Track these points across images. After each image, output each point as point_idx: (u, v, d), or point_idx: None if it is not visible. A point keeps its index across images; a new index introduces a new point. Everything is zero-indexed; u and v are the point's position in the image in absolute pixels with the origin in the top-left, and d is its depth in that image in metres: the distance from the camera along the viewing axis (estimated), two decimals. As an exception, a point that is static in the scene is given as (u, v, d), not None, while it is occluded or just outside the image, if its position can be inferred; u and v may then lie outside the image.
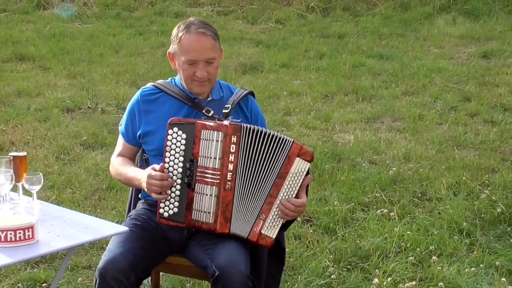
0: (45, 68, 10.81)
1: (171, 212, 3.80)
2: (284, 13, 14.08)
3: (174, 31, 4.00)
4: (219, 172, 3.73)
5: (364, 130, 8.27)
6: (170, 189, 3.79)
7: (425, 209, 6.19)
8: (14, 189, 3.84)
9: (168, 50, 4.07)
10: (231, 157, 3.74)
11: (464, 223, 5.80)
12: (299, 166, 3.82)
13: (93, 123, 8.36)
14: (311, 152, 3.87)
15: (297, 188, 3.84)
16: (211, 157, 3.74)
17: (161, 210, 3.81)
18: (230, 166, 3.74)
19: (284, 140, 3.81)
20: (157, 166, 3.79)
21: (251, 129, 3.78)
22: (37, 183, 3.78)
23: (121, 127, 4.13)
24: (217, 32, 4.02)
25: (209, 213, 3.74)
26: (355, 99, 9.40)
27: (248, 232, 3.80)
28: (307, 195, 3.92)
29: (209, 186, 3.74)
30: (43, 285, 5.06)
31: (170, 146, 3.78)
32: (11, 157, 3.83)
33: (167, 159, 3.79)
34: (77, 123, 8.37)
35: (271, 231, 3.83)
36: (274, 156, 3.80)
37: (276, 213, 3.81)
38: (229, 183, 3.74)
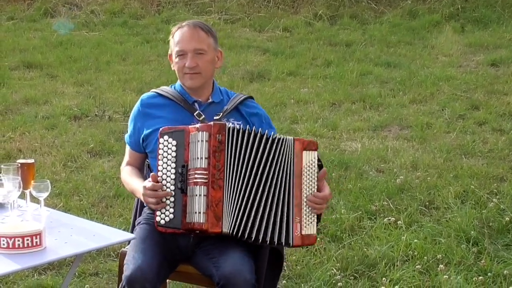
0: (53, 76, 10.83)
1: (167, 219, 3.80)
2: (292, 21, 14.07)
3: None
4: (206, 172, 3.74)
5: (372, 138, 8.25)
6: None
7: (433, 218, 6.17)
8: (22, 196, 3.85)
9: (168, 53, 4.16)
10: (218, 156, 3.75)
11: (472, 232, 5.78)
12: (308, 158, 3.89)
13: (100, 130, 8.37)
14: (314, 141, 3.95)
15: (315, 178, 3.91)
16: (199, 158, 3.75)
17: (157, 218, 3.81)
18: (218, 165, 3.75)
19: (285, 140, 3.85)
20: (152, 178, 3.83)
21: (238, 129, 3.81)
22: (44, 190, 3.80)
23: (127, 136, 4.19)
24: (214, 32, 4.12)
25: (200, 213, 3.73)
26: (362, 107, 9.39)
27: (286, 237, 3.81)
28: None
29: (199, 186, 3.74)
30: (50, 292, 5.07)
31: (162, 155, 3.81)
32: (19, 164, 3.84)
33: (160, 167, 3.81)
34: (84, 131, 8.38)
35: (310, 228, 3.88)
36: (281, 158, 3.83)
37: (307, 210, 3.86)
38: (218, 181, 3.74)
